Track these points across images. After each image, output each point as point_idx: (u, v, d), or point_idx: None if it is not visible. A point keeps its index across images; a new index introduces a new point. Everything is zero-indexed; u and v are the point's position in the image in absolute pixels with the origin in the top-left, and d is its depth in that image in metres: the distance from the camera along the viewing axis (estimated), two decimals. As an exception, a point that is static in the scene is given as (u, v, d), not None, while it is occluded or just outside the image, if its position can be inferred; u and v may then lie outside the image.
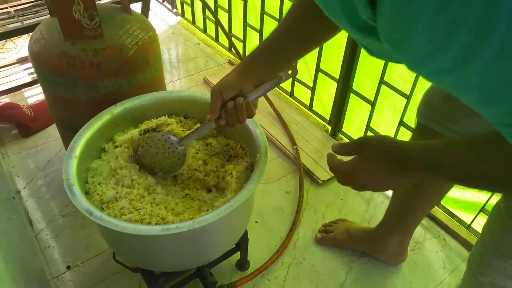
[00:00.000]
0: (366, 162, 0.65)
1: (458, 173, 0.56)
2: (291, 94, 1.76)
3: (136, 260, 0.97)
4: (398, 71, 1.30)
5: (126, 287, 1.17)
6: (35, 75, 1.56)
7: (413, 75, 1.21)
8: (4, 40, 2.20)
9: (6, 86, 1.76)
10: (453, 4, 0.33)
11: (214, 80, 1.90)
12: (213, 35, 2.16)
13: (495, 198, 1.04)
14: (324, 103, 1.64)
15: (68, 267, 1.20)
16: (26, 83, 1.76)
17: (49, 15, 1.17)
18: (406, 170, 0.61)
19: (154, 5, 2.53)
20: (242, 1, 1.80)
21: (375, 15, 0.41)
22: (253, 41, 1.89)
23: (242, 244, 1.11)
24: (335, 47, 1.46)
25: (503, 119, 0.41)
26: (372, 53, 0.56)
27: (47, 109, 1.25)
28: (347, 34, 1.21)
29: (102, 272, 1.19)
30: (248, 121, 1.03)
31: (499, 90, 0.37)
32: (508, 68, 0.34)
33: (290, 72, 0.85)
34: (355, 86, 1.45)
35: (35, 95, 1.85)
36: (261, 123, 1.08)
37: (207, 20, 2.15)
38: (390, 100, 1.36)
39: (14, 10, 1.66)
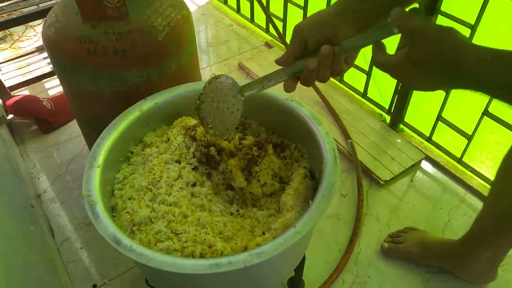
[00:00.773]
0: (413, 65, 0.52)
1: None
2: (340, 79, 1.54)
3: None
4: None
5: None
6: (54, 64, 1.40)
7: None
8: (24, 27, 2.05)
9: (25, 77, 1.61)
10: None
11: (251, 65, 1.69)
12: (248, 15, 1.94)
13: None
14: (382, 89, 1.41)
15: (94, 286, 1.05)
16: (46, 73, 1.61)
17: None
18: (465, 82, 0.50)
19: (180, -16, 2.32)
20: (282, -27, 1.57)
21: None
22: (295, 20, 1.66)
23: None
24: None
25: None
26: None
27: (67, 104, 1.08)
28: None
29: (134, 292, 1.04)
30: (307, 116, 0.83)
31: None
32: None
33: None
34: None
35: (56, 86, 1.69)
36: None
37: (240, -3, 1.93)
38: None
39: (29, -8, 1.50)
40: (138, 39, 0.85)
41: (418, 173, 1.29)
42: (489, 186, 1.19)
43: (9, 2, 1.54)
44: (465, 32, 1.13)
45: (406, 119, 1.36)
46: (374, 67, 1.15)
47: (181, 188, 0.76)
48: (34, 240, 1.00)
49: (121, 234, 0.66)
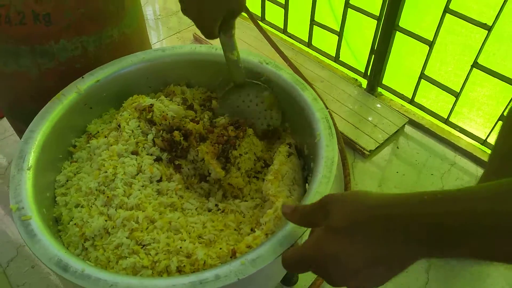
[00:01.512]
0: (336, 234, 0.38)
1: None
2: (308, 44, 1.39)
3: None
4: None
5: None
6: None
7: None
8: None
9: None
10: None
11: (208, 37, 1.51)
12: (197, -19, 1.74)
13: None
14: (356, 50, 1.29)
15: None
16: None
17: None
18: (444, 246, 0.33)
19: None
20: None
21: None
22: (252, -19, 1.49)
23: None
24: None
25: None
26: None
27: (-13, 95, 0.87)
28: None
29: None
30: (288, 81, 0.68)
31: None
32: None
33: None
34: (403, 23, 1.09)
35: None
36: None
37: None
38: (458, 36, 1.01)
39: None
40: None
41: (403, 139, 1.19)
42: (480, 146, 1.11)
43: None
44: (424, 48, 1.07)
45: (384, 82, 1.25)
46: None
47: (143, 186, 0.59)
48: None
49: (68, 255, 0.50)
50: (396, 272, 0.37)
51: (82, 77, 0.66)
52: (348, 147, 1.16)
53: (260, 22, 1.47)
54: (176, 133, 0.64)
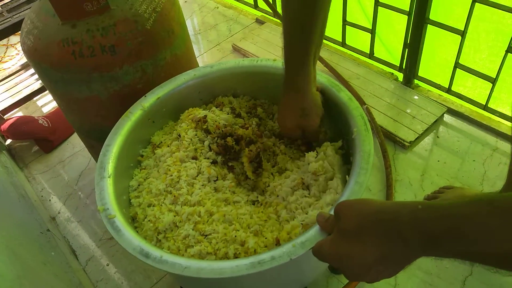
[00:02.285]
0: (345, 236, 0.45)
1: None
2: (342, 43, 1.45)
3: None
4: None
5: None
6: (42, 79, 1.32)
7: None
8: (5, 47, 1.97)
9: (16, 97, 1.54)
10: None
11: (245, 45, 1.60)
12: (233, -6, 1.85)
13: None
14: (390, 46, 1.32)
15: (128, 302, 0.99)
16: (36, 90, 1.53)
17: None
18: (427, 247, 0.39)
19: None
20: None
21: None
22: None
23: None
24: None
25: None
26: None
27: (63, 117, 1.01)
28: None
29: (170, 301, 0.98)
30: (324, 84, 0.75)
31: None
32: None
33: None
34: (433, 15, 1.13)
35: (50, 102, 1.62)
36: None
37: (222, -23, 1.83)
38: (490, 23, 1.03)
39: (1, 6, 1.41)
40: (125, 32, 0.77)
41: (443, 128, 1.22)
42: (522, 129, 1.11)
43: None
44: (457, 38, 1.09)
45: (420, 73, 1.28)
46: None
47: (203, 185, 0.69)
48: (57, 265, 0.94)
49: (148, 245, 0.59)
50: (403, 266, 0.43)
51: (145, 96, 0.77)
52: (389, 139, 1.20)
53: (294, 27, 1.54)
54: (229, 139, 0.73)
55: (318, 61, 1.39)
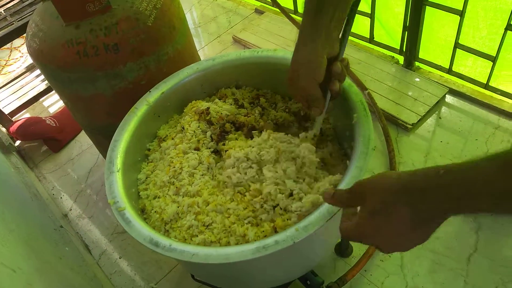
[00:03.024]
0: (372, 214, 0.46)
1: None
2: (342, 30, 1.45)
3: (224, 284, 0.76)
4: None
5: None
6: (47, 79, 1.34)
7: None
8: (9, 51, 2.00)
9: (22, 99, 1.56)
10: None
11: (246, 36, 1.61)
12: (230, -15, 1.85)
13: None
14: (389, 29, 1.33)
15: (143, 292, 1.03)
16: (42, 91, 1.56)
17: (41, 2, 0.92)
18: (449, 207, 0.41)
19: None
20: None
21: None
22: (281, -22, 1.57)
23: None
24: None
25: None
26: None
27: (71, 116, 1.04)
28: None
29: (183, 290, 1.01)
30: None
31: None
32: None
33: None
34: (431, -4, 1.13)
35: (56, 102, 1.65)
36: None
37: (219, -31, 1.83)
38: (488, 1, 1.03)
39: (4, 11, 1.43)
40: (127, 29, 0.79)
41: (445, 109, 1.22)
42: (523, 106, 1.12)
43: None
44: (455, 18, 1.09)
45: (420, 56, 1.28)
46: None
47: (202, 175, 0.71)
48: (72, 260, 0.98)
49: (157, 235, 0.62)
50: (433, 229, 0.44)
51: (150, 91, 0.79)
52: (391, 123, 1.22)
53: (293, 15, 1.55)
54: (227, 124, 0.75)
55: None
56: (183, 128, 0.78)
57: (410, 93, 1.25)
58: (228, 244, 0.63)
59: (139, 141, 0.78)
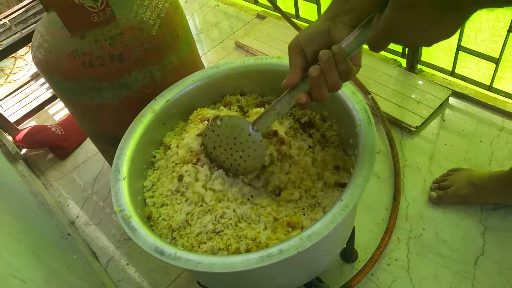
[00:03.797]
0: (401, 8, 0.44)
1: None
2: (344, 34, 1.45)
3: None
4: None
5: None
6: (53, 88, 1.36)
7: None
8: (14, 59, 2.01)
9: (28, 108, 1.58)
10: None
11: (248, 42, 1.62)
12: (232, -9, 1.86)
13: None
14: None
15: (151, 299, 1.03)
16: (47, 99, 1.57)
17: (45, 13, 0.93)
18: None
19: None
20: None
21: None
22: (282, -17, 1.58)
23: (349, 233, 0.88)
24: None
25: None
26: None
27: (77, 124, 1.05)
28: None
29: (190, 296, 1.02)
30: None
31: None
32: None
33: None
34: None
35: (61, 109, 1.66)
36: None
37: (220, -25, 1.85)
38: None
39: (9, 21, 1.44)
40: (132, 39, 0.80)
41: (448, 111, 1.23)
42: (527, 107, 1.12)
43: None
44: None
45: (423, 58, 1.28)
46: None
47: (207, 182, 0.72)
48: (80, 268, 0.98)
49: (163, 243, 0.62)
50: (458, 25, 0.44)
51: (155, 99, 0.80)
52: (395, 126, 1.22)
53: (294, 20, 1.56)
54: None
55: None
56: (189, 135, 0.79)
57: (413, 96, 1.25)
58: (237, 250, 0.64)
59: (145, 148, 0.79)
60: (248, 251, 0.63)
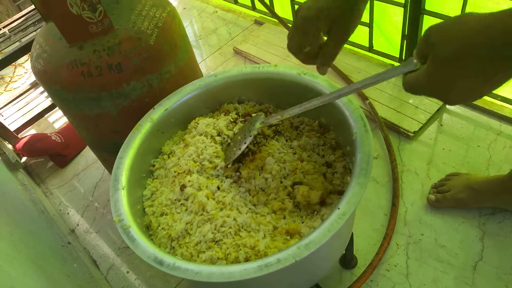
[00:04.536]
0: (443, 64, 0.42)
1: None
2: (342, 39, 1.46)
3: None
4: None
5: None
6: (52, 96, 1.37)
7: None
8: (13, 67, 2.03)
9: (28, 116, 1.58)
10: None
11: (246, 48, 1.63)
12: (230, -3, 1.87)
13: None
14: (389, 37, 1.34)
15: (151, 306, 1.03)
16: (47, 107, 1.58)
17: (44, 23, 0.94)
18: None
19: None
20: None
21: None
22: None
23: (348, 239, 0.88)
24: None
25: None
26: None
27: (76, 133, 1.05)
28: None
29: (190, 303, 1.02)
30: (324, 87, 0.78)
31: None
32: None
33: None
34: (428, 6, 1.14)
35: (60, 117, 1.67)
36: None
37: (218, -18, 1.86)
38: (485, 9, 1.04)
39: (9, 30, 1.45)
40: (130, 49, 0.81)
41: (446, 116, 1.23)
42: (524, 111, 1.13)
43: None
44: None
45: (420, 64, 1.29)
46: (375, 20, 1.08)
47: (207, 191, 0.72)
48: (80, 277, 0.99)
49: (162, 253, 0.62)
50: (504, 82, 0.41)
51: (153, 108, 0.80)
52: (393, 131, 1.22)
53: (291, 26, 1.57)
54: None
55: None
56: (187, 144, 0.80)
57: (410, 101, 1.25)
58: (236, 259, 0.64)
59: (144, 157, 0.79)
60: (247, 259, 0.64)
